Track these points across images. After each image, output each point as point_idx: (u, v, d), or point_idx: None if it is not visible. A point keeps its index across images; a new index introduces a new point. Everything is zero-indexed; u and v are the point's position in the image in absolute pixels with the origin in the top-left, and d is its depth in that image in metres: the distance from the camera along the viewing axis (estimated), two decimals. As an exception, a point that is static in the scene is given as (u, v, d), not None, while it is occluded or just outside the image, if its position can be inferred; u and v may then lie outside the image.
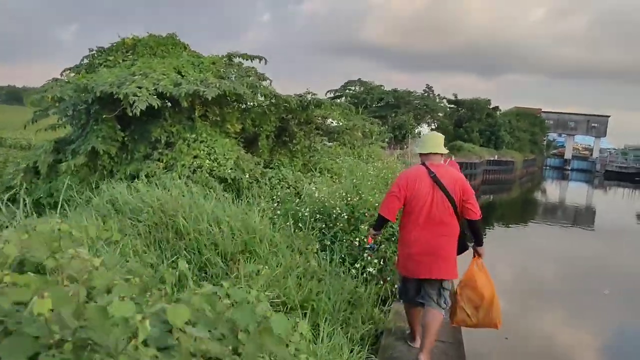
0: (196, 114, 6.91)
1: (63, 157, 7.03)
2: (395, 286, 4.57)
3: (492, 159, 36.88)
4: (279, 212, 5.18)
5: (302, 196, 5.90)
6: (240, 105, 7.50)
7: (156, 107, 5.76)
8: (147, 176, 6.19)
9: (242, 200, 6.26)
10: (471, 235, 3.69)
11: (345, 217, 4.93)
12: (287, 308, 3.23)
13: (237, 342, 1.28)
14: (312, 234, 4.62)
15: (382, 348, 3.64)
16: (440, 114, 40.65)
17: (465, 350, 3.95)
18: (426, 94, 40.55)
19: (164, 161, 6.44)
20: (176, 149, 6.53)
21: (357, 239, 4.67)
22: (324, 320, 3.24)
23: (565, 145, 61.61)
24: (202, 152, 6.53)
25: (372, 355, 3.46)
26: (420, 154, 3.72)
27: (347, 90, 37.23)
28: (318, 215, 5.05)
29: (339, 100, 28.96)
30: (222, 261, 3.71)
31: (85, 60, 8.50)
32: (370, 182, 6.74)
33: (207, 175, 6.23)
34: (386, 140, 22.70)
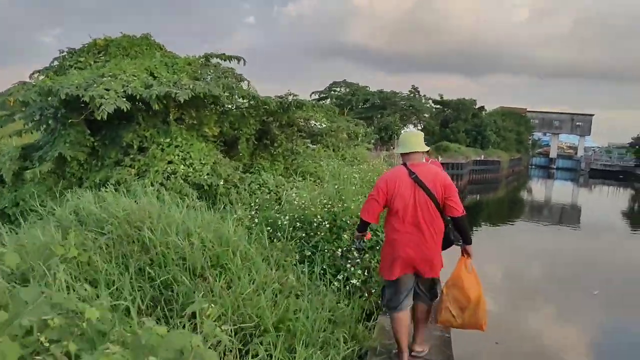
0: (171, 117, 6.57)
1: (30, 164, 6.65)
2: (381, 299, 4.30)
3: (478, 159, 36.90)
4: (256, 220, 4.85)
5: (281, 203, 5.58)
6: (218, 107, 7.17)
7: (125, 110, 5.41)
8: (117, 183, 5.83)
9: (218, 208, 5.96)
10: (457, 234, 3.61)
11: (327, 225, 4.63)
12: (260, 330, 2.92)
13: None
14: (291, 245, 4.31)
15: (367, 369, 3.36)
16: (426, 115, 40.66)
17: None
18: (412, 95, 40.53)
19: (136, 167, 6.09)
20: (149, 155, 6.18)
21: (340, 249, 4.37)
22: (301, 343, 2.93)
23: (550, 144, 62.10)
24: (176, 157, 6.19)
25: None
26: (401, 154, 3.66)
27: (332, 92, 37.00)
28: (298, 224, 4.74)
29: (323, 102, 28.72)
30: (189, 278, 3.38)
31: (56, 62, 8.11)
32: (354, 186, 6.45)
33: (182, 181, 5.90)
34: (372, 141, 22.49)
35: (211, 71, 6.92)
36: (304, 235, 4.62)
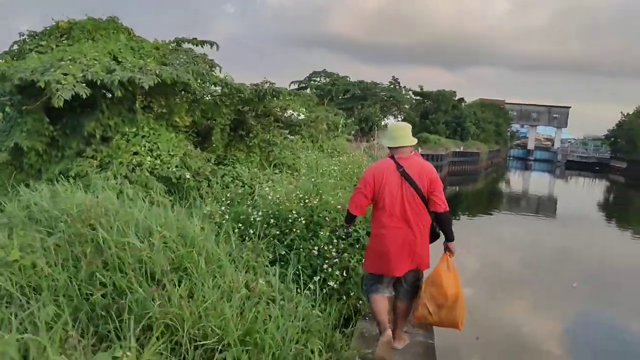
0: (137, 105, 6.13)
1: (-15, 155, 6.15)
2: (360, 302, 4.03)
3: (458, 150, 36.97)
4: (226, 216, 4.49)
5: (254, 197, 5.23)
6: (189, 95, 6.74)
7: (85, 96, 4.97)
8: (77, 176, 5.40)
9: (187, 203, 5.58)
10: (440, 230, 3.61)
11: (303, 221, 4.29)
12: (222, 345, 2.58)
13: None
14: (264, 243, 3.97)
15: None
16: (407, 106, 40.53)
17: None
18: (392, 86, 40.30)
19: (99, 159, 5.66)
20: (113, 145, 5.75)
21: (316, 247, 4.05)
22: (269, 358, 2.61)
23: (528, 136, 62.75)
24: (143, 148, 5.77)
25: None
26: (389, 148, 3.58)
27: (312, 82, 36.53)
28: (272, 220, 4.39)
29: (303, 92, 28.30)
30: (147, 283, 3.02)
31: (15, 46, 7.56)
32: (333, 179, 6.13)
33: (148, 174, 5.49)
34: (352, 132, 22.21)
35: (181, 56, 6.47)
36: (278, 232, 4.28)
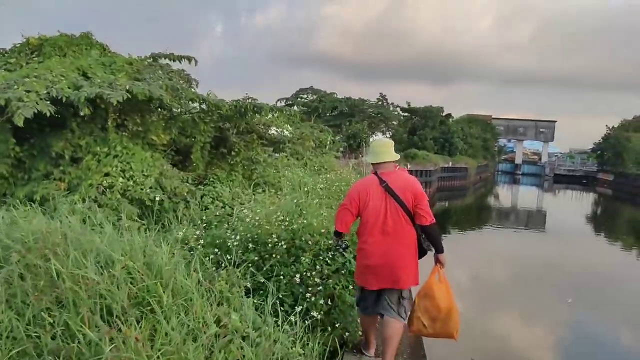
0: (109, 123, 5.79)
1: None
2: (347, 333, 3.69)
3: (446, 166, 36.95)
4: (201, 241, 4.13)
5: (233, 219, 4.87)
6: (166, 112, 6.43)
7: (48, 114, 4.63)
8: (43, 200, 5.03)
9: (162, 226, 5.22)
10: (429, 242, 3.62)
11: (284, 246, 3.95)
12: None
13: None
14: (239, 272, 3.61)
15: None
16: (395, 122, 40.62)
17: None
18: (380, 103, 40.39)
19: (67, 181, 5.30)
20: (83, 166, 5.39)
21: (298, 274, 3.70)
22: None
23: (515, 150, 63.16)
24: (114, 168, 5.42)
25: None
26: (372, 163, 3.65)
27: (298, 99, 36.42)
28: (250, 245, 4.05)
29: (292, 108, 28.15)
30: (104, 321, 2.66)
31: (-16, 64, 7.21)
32: (318, 199, 5.80)
33: (120, 196, 5.13)
34: (340, 149, 21.99)
35: (157, 71, 6.17)
36: (256, 258, 3.93)
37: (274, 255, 3.91)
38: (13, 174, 5.75)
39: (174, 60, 7.15)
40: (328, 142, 15.49)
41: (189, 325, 2.69)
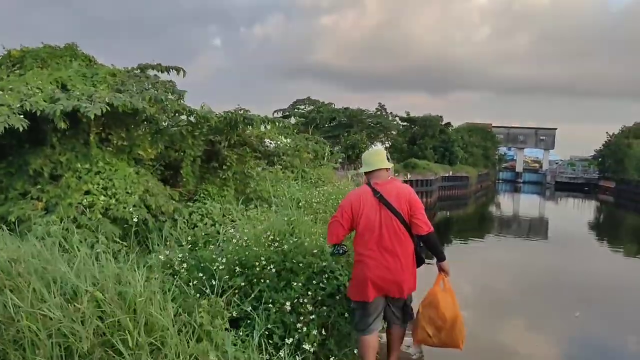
0: (91, 138, 5.48)
1: None
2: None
3: (447, 175, 36.67)
4: (185, 265, 3.79)
5: (219, 240, 4.53)
6: (152, 126, 6.12)
7: (21, 129, 4.32)
8: (19, 221, 4.70)
9: (147, 248, 4.89)
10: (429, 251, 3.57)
11: (273, 270, 3.62)
12: None
13: None
14: (225, 299, 3.28)
15: None
16: (394, 132, 40.40)
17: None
18: (379, 112, 40.19)
19: (44, 200, 4.97)
20: (62, 184, 5.07)
21: (289, 301, 3.36)
22: None
23: (516, 158, 62.91)
24: (95, 186, 5.10)
25: None
26: (365, 173, 3.61)
27: (296, 110, 36.20)
28: (237, 268, 3.71)
29: (289, 120, 27.81)
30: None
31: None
32: (313, 214, 5.47)
33: (100, 216, 4.81)
34: (339, 160, 21.70)
35: (143, 83, 5.87)
36: (244, 284, 3.59)
37: (262, 280, 3.57)
38: (-10, 193, 5.44)
39: (162, 72, 6.87)
40: (325, 154, 15.19)
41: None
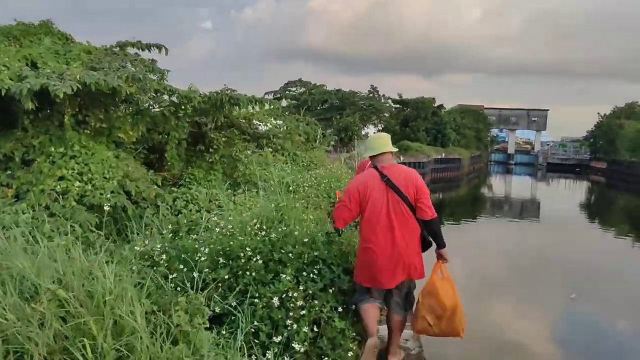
0: (66, 119, 5.12)
1: None
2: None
3: (439, 157, 36.49)
4: (163, 257, 3.48)
5: (201, 228, 4.21)
6: (133, 106, 5.75)
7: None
8: (-13, 210, 4.36)
9: (125, 237, 4.59)
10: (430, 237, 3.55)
11: (260, 261, 3.32)
12: None
13: None
14: (207, 293, 2.98)
15: None
16: (386, 114, 40.02)
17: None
18: (371, 95, 39.73)
19: (15, 187, 4.62)
20: (34, 169, 4.72)
21: (276, 295, 3.07)
22: None
23: (508, 140, 62.83)
24: (70, 171, 4.75)
25: None
26: (371, 158, 3.58)
27: (287, 92, 35.65)
28: (221, 260, 3.41)
29: (280, 102, 27.41)
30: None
31: None
32: (304, 199, 5.16)
33: (75, 203, 4.47)
34: (331, 143, 21.37)
35: (120, 61, 5.48)
36: (228, 277, 3.29)
37: (247, 273, 3.27)
38: (-42, 180, 5.07)
39: (143, 50, 6.47)
40: (317, 136, 14.87)
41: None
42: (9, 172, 4.78)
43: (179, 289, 3.15)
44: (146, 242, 3.92)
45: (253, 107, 6.25)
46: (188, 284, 3.10)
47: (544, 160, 56.17)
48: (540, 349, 7.43)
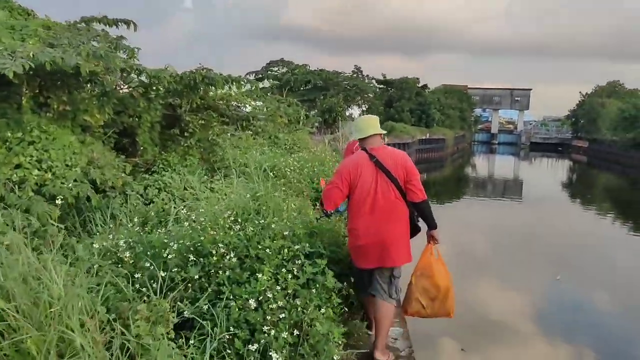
0: (24, 101, 4.68)
1: None
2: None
3: (424, 137, 36.38)
4: (127, 253, 3.13)
5: (170, 220, 3.87)
6: (98, 87, 5.32)
7: None
8: None
9: (89, 230, 4.22)
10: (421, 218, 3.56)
11: (234, 259, 3.00)
12: None
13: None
14: (171, 298, 2.65)
15: None
16: (370, 95, 39.69)
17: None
18: (355, 75, 39.28)
19: (-34, 176, 4.20)
20: (-13, 156, 4.30)
21: (252, 295, 2.76)
22: None
23: (491, 119, 63.07)
24: (28, 158, 4.34)
25: None
26: (360, 140, 3.56)
27: (269, 72, 34.98)
28: (191, 257, 3.08)
29: (262, 83, 26.80)
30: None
31: None
32: (284, 187, 4.82)
33: (32, 193, 4.08)
34: (315, 124, 20.97)
35: (83, 37, 5.02)
36: (199, 276, 2.96)
37: (221, 271, 2.95)
38: None
39: (110, 26, 6.00)
40: (301, 118, 14.47)
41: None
42: (-41, 160, 4.35)
43: (144, 289, 2.81)
44: (110, 236, 3.56)
45: (230, 88, 5.86)
46: (154, 285, 2.76)
47: (526, 140, 56.52)
48: (525, 328, 7.43)
